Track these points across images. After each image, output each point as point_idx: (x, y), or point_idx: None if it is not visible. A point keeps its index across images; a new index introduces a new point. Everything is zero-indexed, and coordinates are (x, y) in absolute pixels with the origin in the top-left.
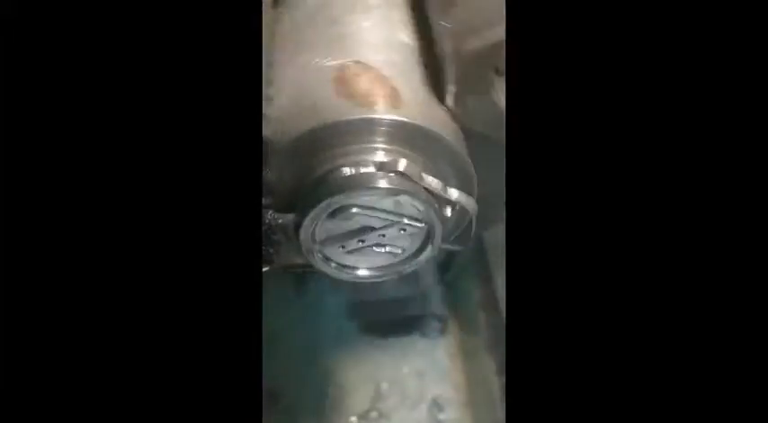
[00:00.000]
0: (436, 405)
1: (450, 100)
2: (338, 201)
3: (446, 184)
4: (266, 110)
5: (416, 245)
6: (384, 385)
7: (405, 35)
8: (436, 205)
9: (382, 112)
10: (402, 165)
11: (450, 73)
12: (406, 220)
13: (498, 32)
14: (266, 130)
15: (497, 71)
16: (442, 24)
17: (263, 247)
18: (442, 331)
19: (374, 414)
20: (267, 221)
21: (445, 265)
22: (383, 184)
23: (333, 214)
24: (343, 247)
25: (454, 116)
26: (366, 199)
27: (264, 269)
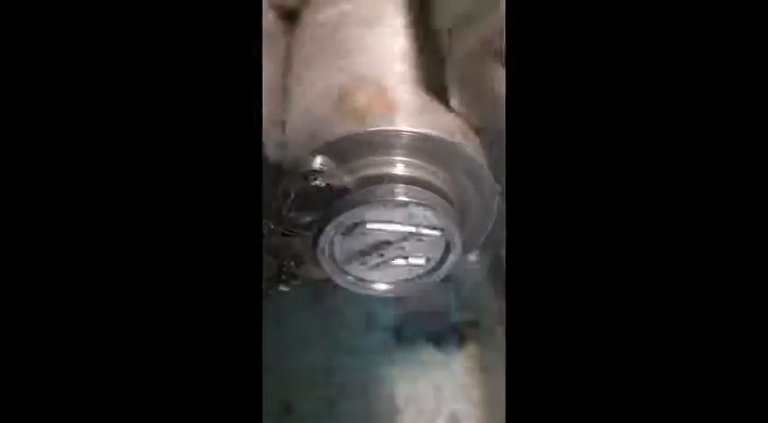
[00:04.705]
0: (453, 419)
1: (454, 102)
2: (348, 218)
3: (463, 190)
4: (280, 134)
5: (438, 253)
6: (401, 399)
7: (408, 42)
8: (452, 212)
9: (378, 125)
10: (405, 173)
11: (452, 72)
12: (421, 230)
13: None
14: (280, 153)
15: (495, 54)
16: (441, 25)
17: (286, 263)
18: (460, 345)
19: None
20: (284, 236)
21: (462, 278)
22: (390, 196)
23: (348, 231)
24: (364, 264)
25: (461, 117)
26: (376, 213)
27: (286, 289)
